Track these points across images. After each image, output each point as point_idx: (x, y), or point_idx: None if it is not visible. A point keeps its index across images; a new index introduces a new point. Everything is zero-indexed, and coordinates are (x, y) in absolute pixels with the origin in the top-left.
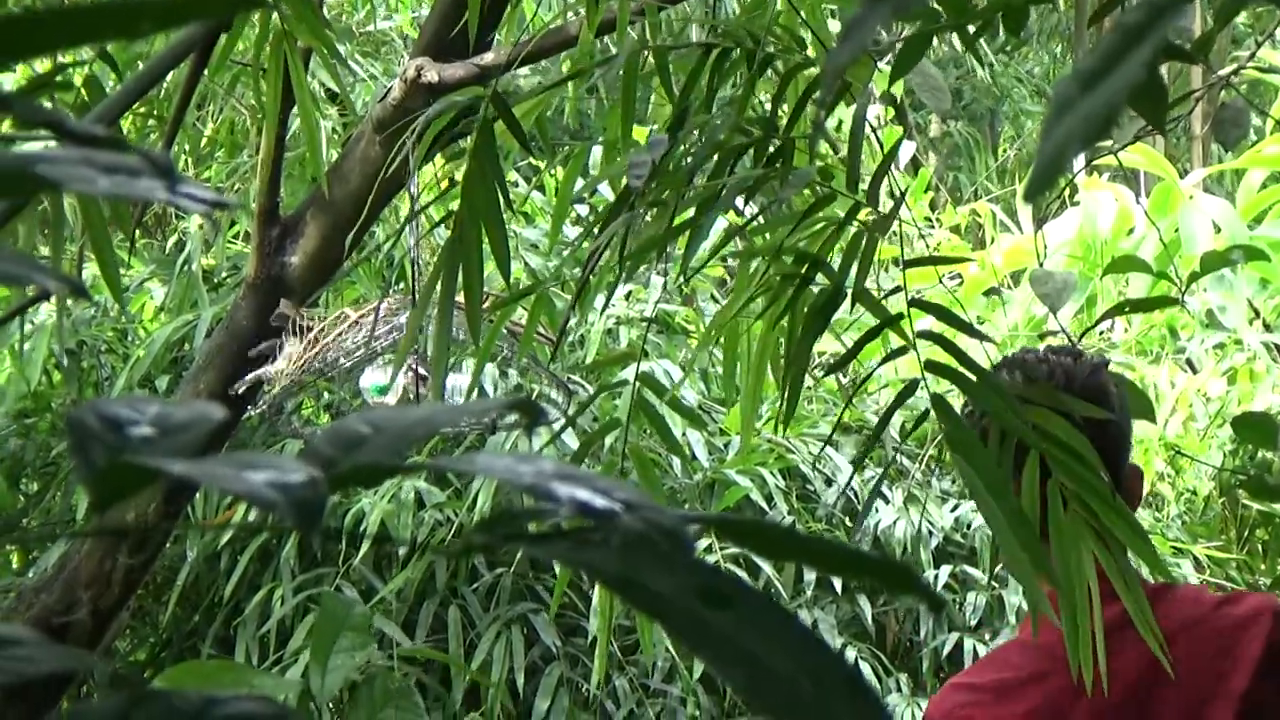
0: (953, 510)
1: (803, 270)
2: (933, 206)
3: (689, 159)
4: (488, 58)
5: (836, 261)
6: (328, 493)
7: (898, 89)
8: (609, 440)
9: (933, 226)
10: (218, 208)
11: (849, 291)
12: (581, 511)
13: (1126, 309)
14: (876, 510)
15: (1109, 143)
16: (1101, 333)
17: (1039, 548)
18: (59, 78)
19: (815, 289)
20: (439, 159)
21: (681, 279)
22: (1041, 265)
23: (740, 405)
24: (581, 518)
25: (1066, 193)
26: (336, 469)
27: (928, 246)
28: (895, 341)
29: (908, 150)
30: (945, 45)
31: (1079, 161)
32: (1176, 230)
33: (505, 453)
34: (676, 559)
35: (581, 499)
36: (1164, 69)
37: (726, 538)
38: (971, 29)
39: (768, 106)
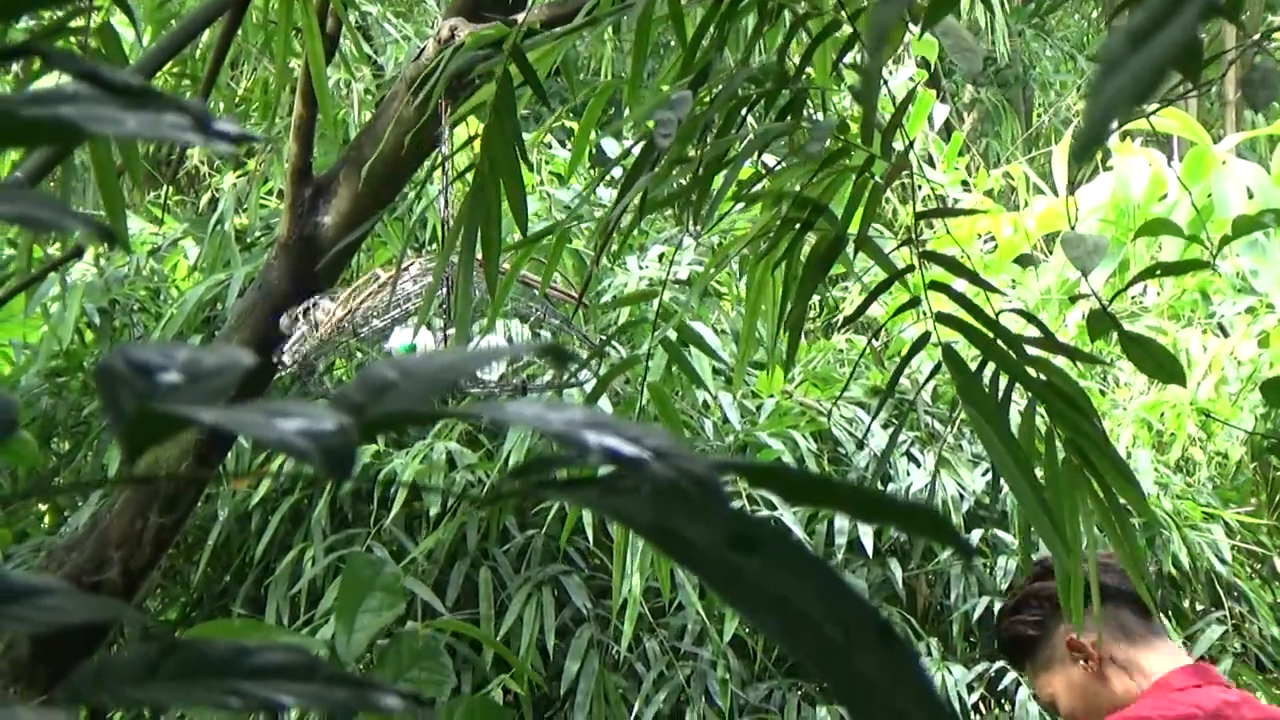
0: (984, 474)
1: (804, 215)
2: (966, 171)
3: (703, 109)
4: (520, 18)
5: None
6: (359, 441)
7: (930, 52)
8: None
9: (966, 190)
10: (245, 142)
11: (852, 239)
12: (612, 459)
13: (1158, 272)
14: (908, 474)
15: (1142, 107)
16: (1134, 297)
17: (1041, 492)
18: (70, 23)
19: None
20: (473, 120)
21: (711, 238)
22: (1073, 229)
23: (740, 347)
24: (612, 465)
25: (1099, 157)
26: (366, 416)
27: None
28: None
29: (941, 113)
30: (975, 10)
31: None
32: (1209, 195)
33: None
34: (707, 506)
35: (612, 446)
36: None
37: (755, 483)
38: None
39: (796, 59)
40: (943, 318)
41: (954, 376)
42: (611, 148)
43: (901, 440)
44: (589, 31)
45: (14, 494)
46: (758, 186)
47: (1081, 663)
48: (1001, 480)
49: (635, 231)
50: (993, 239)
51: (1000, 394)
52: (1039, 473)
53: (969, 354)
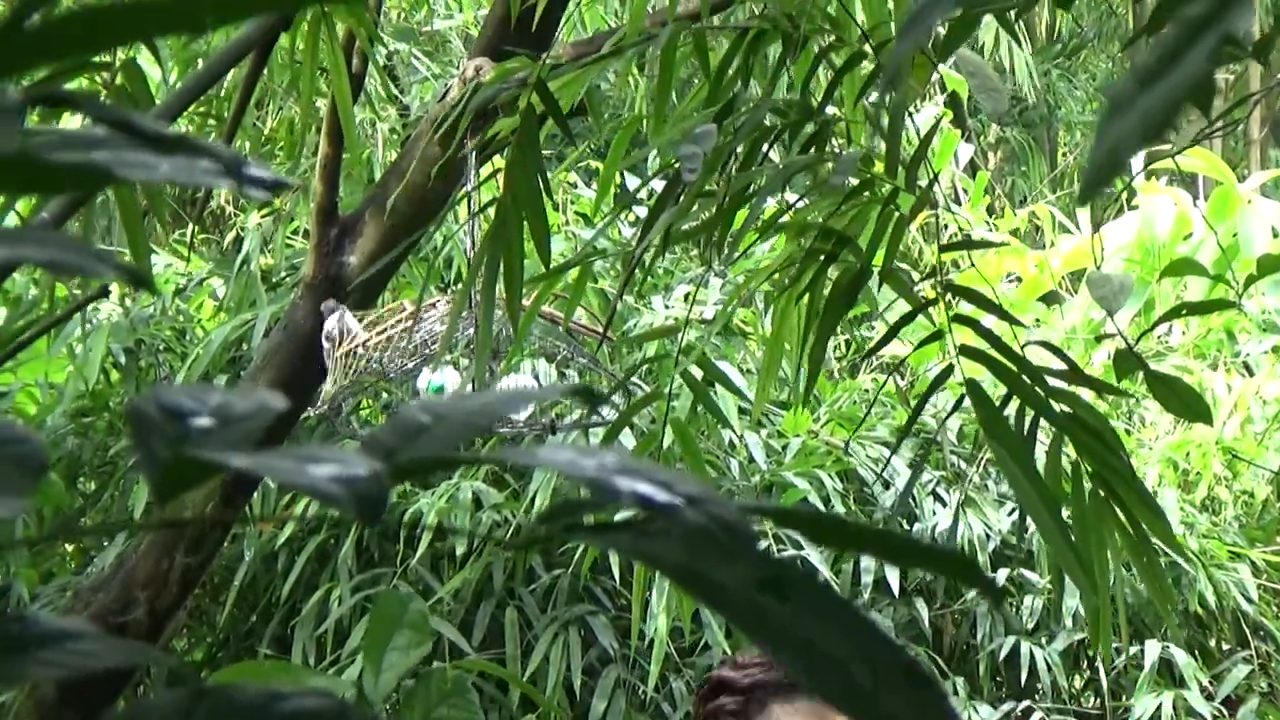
0: (1010, 513)
1: (828, 247)
2: (990, 210)
3: (727, 140)
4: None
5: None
6: (390, 486)
7: (961, 88)
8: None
9: (990, 230)
10: (279, 189)
11: (876, 271)
12: (643, 505)
13: (1184, 312)
14: (934, 513)
15: (1167, 146)
16: (1159, 336)
17: (1065, 527)
18: (95, 59)
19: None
20: (497, 158)
21: (737, 277)
22: (1099, 268)
23: (759, 378)
24: (644, 511)
25: (1125, 196)
26: (398, 460)
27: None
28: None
29: (965, 152)
30: (999, 50)
31: (1137, 164)
32: (1234, 234)
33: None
34: (736, 549)
35: (643, 493)
36: (1222, 72)
37: (786, 528)
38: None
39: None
40: (967, 351)
41: (977, 411)
42: (636, 185)
43: (927, 479)
44: (614, 63)
45: (40, 534)
46: (782, 219)
47: None
48: (1028, 518)
49: (660, 271)
50: (1018, 279)
51: (1025, 429)
52: (1066, 508)
53: (994, 391)
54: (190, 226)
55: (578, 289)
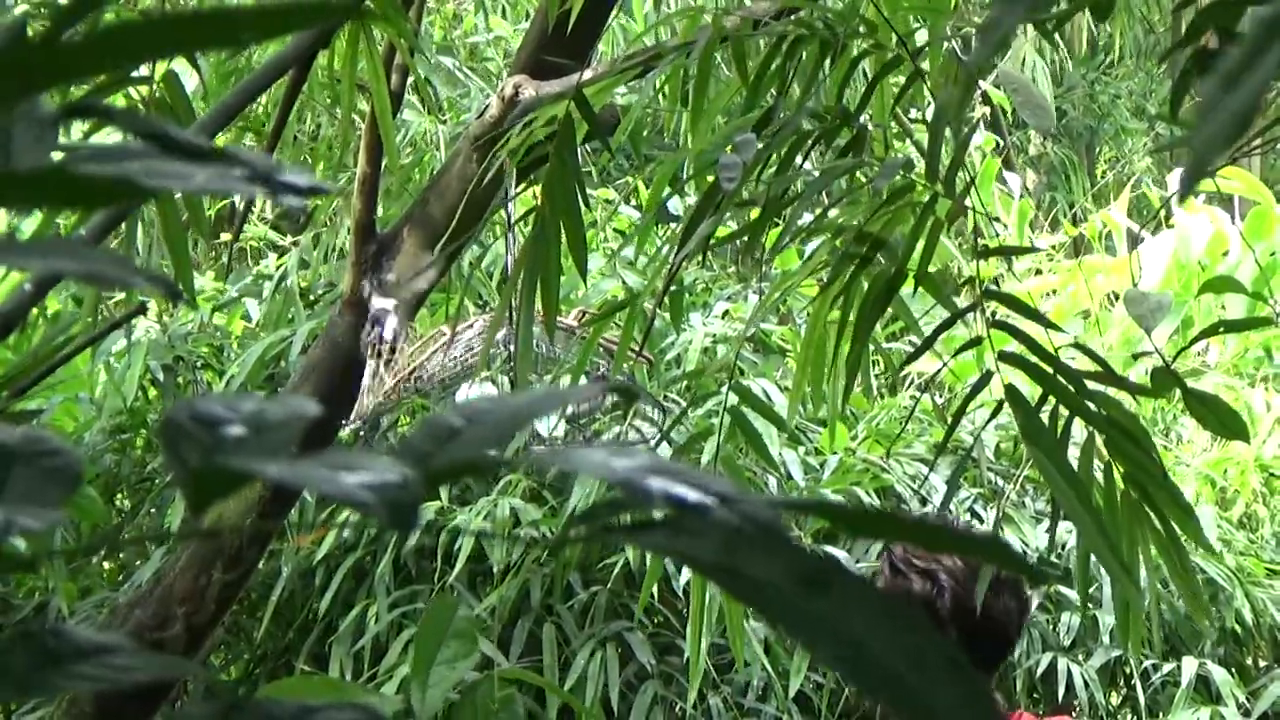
0: (1047, 530)
1: (863, 251)
2: (1032, 226)
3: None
4: (586, 75)
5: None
6: (423, 491)
7: (1002, 103)
8: (704, 459)
9: (1032, 247)
10: (314, 194)
11: (912, 274)
12: (676, 506)
13: (1221, 330)
14: (971, 529)
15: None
16: (1197, 353)
17: (1103, 526)
18: (134, 73)
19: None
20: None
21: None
22: (1136, 286)
23: (793, 388)
24: (676, 511)
25: (1163, 215)
26: (430, 464)
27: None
28: (987, 362)
29: (1014, 182)
30: (1047, 63)
31: (1173, 184)
32: (1272, 253)
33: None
34: (773, 546)
35: (676, 493)
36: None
37: (826, 521)
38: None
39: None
40: (1005, 356)
41: (1016, 416)
42: (675, 206)
43: (964, 496)
44: (650, 77)
45: (78, 549)
46: (818, 224)
47: None
48: (1062, 528)
49: (699, 288)
50: (1052, 292)
51: (1060, 431)
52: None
53: (1032, 396)
54: (230, 243)
55: (629, 325)
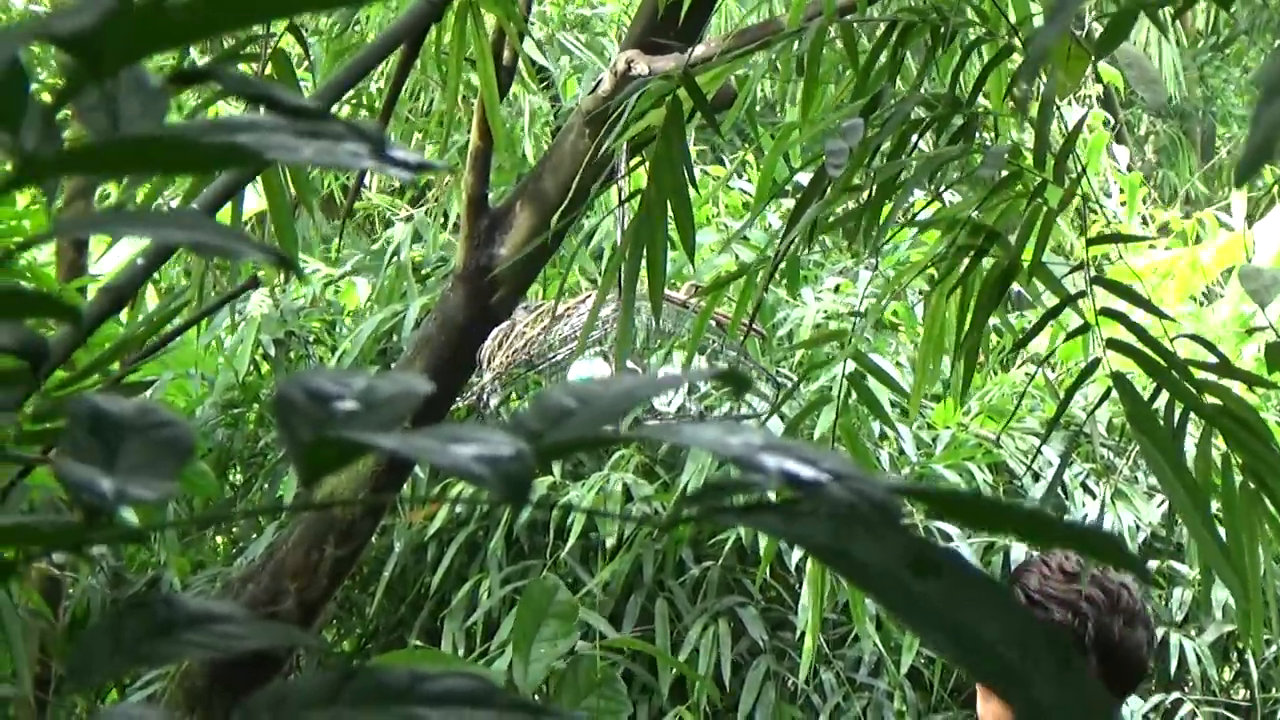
0: (1159, 505)
1: (978, 242)
2: (1144, 201)
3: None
4: (698, 50)
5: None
6: (535, 466)
7: (1117, 81)
8: (818, 432)
9: (1145, 225)
10: (423, 170)
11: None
12: (789, 482)
13: None
14: (1084, 505)
15: None
16: None
17: (1213, 523)
18: (246, 49)
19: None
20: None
21: (887, 270)
22: (1250, 262)
23: (915, 376)
24: (789, 488)
25: (1276, 191)
26: (543, 442)
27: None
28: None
29: (1122, 154)
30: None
31: None
32: None
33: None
34: (885, 529)
35: (789, 470)
36: None
37: (934, 508)
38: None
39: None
40: (1114, 344)
41: (1124, 404)
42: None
43: (1077, 472)
44: (762, 56)
45: (191, 523)
46: (931, 213)
47: None
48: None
49: (811, 264)
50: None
51: (1174, 422)
52: (1215, 500)
53: (1141, 383)
54: (343, 219)
55: (742, 298)
